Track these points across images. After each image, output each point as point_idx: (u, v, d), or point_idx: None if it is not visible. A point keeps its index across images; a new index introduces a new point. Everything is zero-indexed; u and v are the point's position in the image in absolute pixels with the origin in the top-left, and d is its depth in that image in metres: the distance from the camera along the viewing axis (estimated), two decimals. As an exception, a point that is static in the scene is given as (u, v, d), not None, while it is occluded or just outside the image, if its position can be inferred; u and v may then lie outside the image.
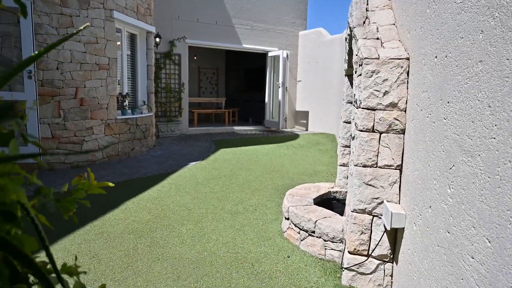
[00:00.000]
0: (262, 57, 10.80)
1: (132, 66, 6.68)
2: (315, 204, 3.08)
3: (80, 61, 5.10)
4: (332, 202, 3.43)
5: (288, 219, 2.93)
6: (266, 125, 10.42)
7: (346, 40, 3.19)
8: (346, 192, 3.46)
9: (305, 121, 10.26)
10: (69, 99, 5.05)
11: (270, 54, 10.03)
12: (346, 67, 3.31)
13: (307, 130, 10.11)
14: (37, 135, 4.66)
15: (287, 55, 9.52)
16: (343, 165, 3.49)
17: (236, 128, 10.13)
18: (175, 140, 8.02)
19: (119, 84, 6.18)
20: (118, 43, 6.06)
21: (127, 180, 4.59)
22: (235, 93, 13.31)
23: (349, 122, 3.42)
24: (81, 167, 5.21)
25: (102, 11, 5.32)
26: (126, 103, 6.31)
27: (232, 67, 13.42)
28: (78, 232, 2.96)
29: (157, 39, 7.89)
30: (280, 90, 9.59)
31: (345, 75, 3.48)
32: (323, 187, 3.53)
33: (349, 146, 3.44)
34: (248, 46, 9.75)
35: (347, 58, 3.22)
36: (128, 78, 6.49)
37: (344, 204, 3.47)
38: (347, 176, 3.49)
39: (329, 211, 2.78)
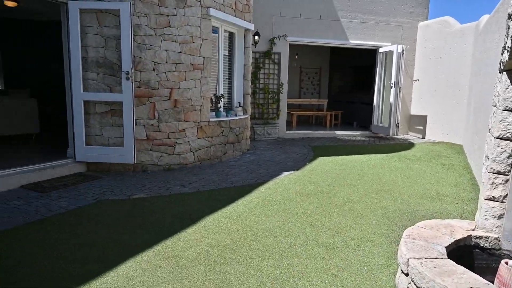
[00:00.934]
0: (370, 53, 9.60)
1: (228, 66, 6.40)
2: (448, 255, 2.12)
3: (175, 61, 4.95)
4: (473, 252, 2.39)
5: (407, 275, 2.06)
6: (373, 130, 9.20)
7: (510, 18, 2.14)
8: (496, 238, 2.38)
9: (421, 127, 8.72)
10: (164, 101, 4.93)
11: (381, 49, 8.80)
12: (507, 58, 2.24)
13: (423, 137, 8.57)
14: (132, 136, 4.63)
15: (403, 50, 8.18)
16: (493, 199, 2.41)
17: (338, 132, 9.19)
18: (271, 144, 7.53)
19: (214, 85, 5.94)
20: (214, 42, 5.81)
21: (213, 189, 4.21)
22: (339, 94, 12.29)
23: (508, 139, 2.33)
24: (173, 170, 5.07)
25: (198, 9, 5.09)
26: (221, 104, 6.03)
27: (336, 66, 12.42)
28: (147, 253, 2.60)
29: (256, 37, 7.51)
30: (392, 90, 8.30)
31: (501, 70, 2.39)
32: (458, 228, 2.50)
33: (504, 173, 2.35)
34: (356, 41, 8.71)
35: (510, 44, 2.16)
36: (223, 78, 6.22)
37: (494, 258, 2.39)
38: (499, 216, 2.41)
39: (477, 278, 1.82)
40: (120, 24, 4.49)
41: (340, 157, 6.24)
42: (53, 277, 2.25)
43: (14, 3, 8.09)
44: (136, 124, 4.83)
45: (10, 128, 6.07)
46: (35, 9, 8.70)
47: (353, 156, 6.34)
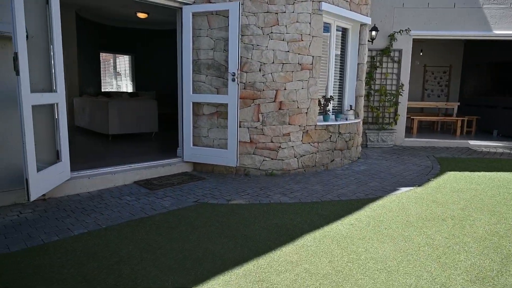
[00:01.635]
0: (522, 46, 7.76)
1: (340, 65, 5.85)
2: None
3: (282, 61, 4.67)
4: None
5: None
6: (521, 141, 7.41)
7: None
8: None
9: None
10: (269, 103, 4.70)
11: (538, 40, 7.00)
12: None
13: None
14: (236, 139, 4.53)
15: None
16: None
17: (472, 142, 7.67)
18: (386, 153, 6.67)
19: (323, 86, 5.48)
20: (325, 39, 5.34)
21: (316, 202, 3.76)
22: (473, 96, 10.37)
23: None
24: (275, 175, 4.80)
25: (309, 4, 4.70)
26: (330, 107, 5.53)
27: (471, 63, 10.52)
28: (237, 271, 2.32)
29: (373, 33, 6.74)
30: (553, 91, 6.50)
31: None
32: None
33: None
34: (503, 32, 7.11)
35: None
36: (334, 79, 5.70)
37: None
38: None
39: None
40: (228, 24, 4.42)
41: (476, 173, 5.08)
42: (137, 285, 2.15)
43: (145, 14, 9.06)
44: (240, 127, 4.71)
45: (135, 126, 6.70)
46: (160, 19, 9.62)
47: (495, 173, 5.09)
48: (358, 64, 5.94)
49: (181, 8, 4.65)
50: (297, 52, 4.72)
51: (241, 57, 4.58)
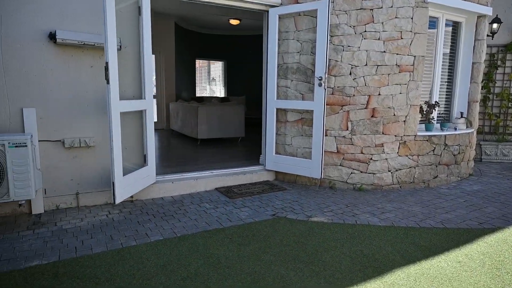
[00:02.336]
0: None
1: (449, 66, 5.01)
2: None
3: (377, 63, 4.15)
4: None
5: None
6: None
7: None
8: None
9: None
10: (359, 109, 4.22)
11: None
12: None
13: None
14: (321, 148, 4.17)
15: None
16: None
17: None
18: (507, 170, 5.52)
19: (426, 90, 4.75)
20: (430, 36, 4.61)
21: (413, 227, 3.18)
22: None
23: None
24: (364, 191, 4.29)
25: (412, -4, 4.09)
26: (434, 115, 4.77)
27: None
28: (309, 308, 2.00)
29: (494, 26, 5.65)
30: None
31: None
32: None
33: None
34: None
35: None
36: (441, 82, 4.90)
37: None
38: None
39: None
40: (316, 25, 4.09)
41: None
42: (203, 310, 1.98)
43: (237, 21, 9.24)
44: (326, 135, 4.34)
45: (222, 131, 6.81)
46: (252, 25, 9.72)
47: None
48: (473, 63, 5.01)
49: (267, 11, 4.49)
50: (395, 52, 4.15)
51: (329, 59, 4.21)
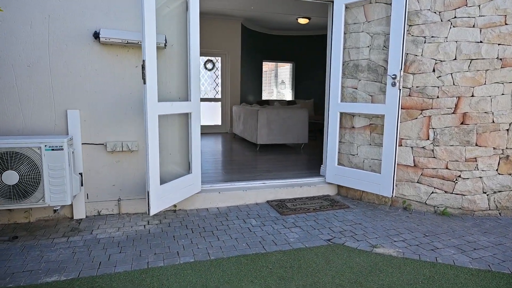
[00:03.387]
0: None
1: None
2: None
3: (470, 56, 3.30)
4: None
5: None
6: None
7: None
8: None
9: None
10: (445, 114, 3.41)
11: None
12: None
13: None
14: (393, 161, 3.45)
15: None
16: None
17: None
18: None
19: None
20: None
21: (500, 272, 2.34)
22: None
23: None
24: (449, 215, 3.45)
25: (522, -32, 3.17)
26: (550, 122, 3.68)
27: None
28: None
29: None
30: None
31: None
32: None
33: None
34: None
35: None
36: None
37: None
38: None
39: None
40: (390, 13, 3.40)
41: None
42: None
43: (306, 19, 8.70)
44: (400, 145, 3.60)
45: (283, 137, 6.34)
46: (321, 24, 9.08)
47: None
48: None
49: (332, 2, 3.91)
50: (496, 42, 3.25)
51: (406, 54, 3.48)
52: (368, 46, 3.72)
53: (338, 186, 4.14)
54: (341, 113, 3.97)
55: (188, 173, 3.50)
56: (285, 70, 10.90)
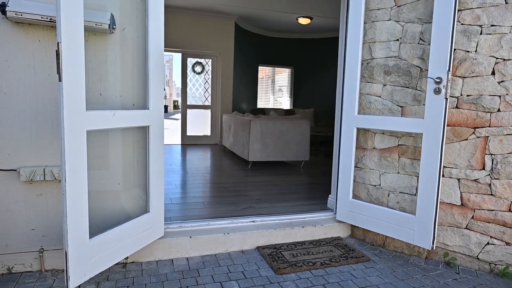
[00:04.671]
0: None
1: None
2: None
3: (547, 53, 2.32)
4: None
5: None
6: None
7: None
8: None
9: None
10: (509, 135, 2.41)
11: None
12: None
13: None
14: (434, 197, 2.45)
15: None
16: None
17: None
18: None
19: None
20: None
21: None
22: None
23: None
24: (511, 277, 2.44)
25: None
26: None
27: None
28: None
29: None
30: None
31: None
32: None
33: None
34: None
35: None
36: None
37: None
38: None
39: None
40: (434, -9, 2.43)
41: None
42: None
43: (307, 19, 7.75)
44: (442, 175, 2.60)
45: (281, 153, 5.33)
46: (323, 25, 8.14)
47: None
48: None
49: (348, -21, 2.94)
50: None
51: (454, 50, 2.50)
52: (398, 40, 2.74)
53: (352, 225, 3.12)
54: (359, 129, 2.97)
55: (145, 211, 2.47)
56: (283, 76, 9.95)
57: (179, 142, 8.85)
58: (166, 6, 7.30)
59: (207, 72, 8.19)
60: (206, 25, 7.76)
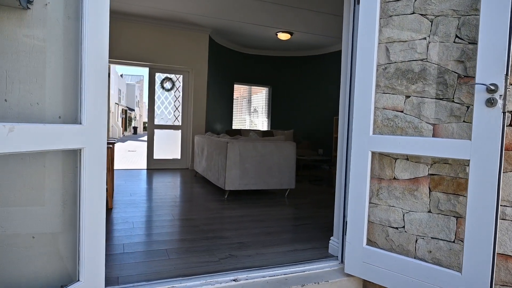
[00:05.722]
0: None
1: None
2: None
3: None
4: None
5: None
6: None
7: None
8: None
9: None
10: None
11: None
12: None
13: None
14: (489, 247, 1.76)
15: None
16: None
17: None
18: None
19: None
20: None
21: None
22: None
23: None
24: None
25: None
26: None
27: None
28: None
29: None
30: None
31: None
32: None
33: None
34: None
35: None
36: None
37: None
38: None
39: None
40: (478, -28, 1.84)
41: None
42: None
43: (287, 35, 7.23)
44: (501, 218, 1.93)
45: (262, 180, 4.57)
46: (303, 43, 7.65)
47: None
48: None
49: (357, -36, 2.33)
50: None
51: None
52: (425, 38, 2.12)
53: (365, 281, 2.38)
54: (374, 153, 2.29)
55: (74, 279, 1.62)
56: (260, 96, 9.34)
57: (145, 166, 7.91)
58: (132, 15, 6.55)
59: (177, 89, 7.42)
60: (177, 37, 7.06)
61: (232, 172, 4.40)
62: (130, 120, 46.39)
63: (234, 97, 8.96)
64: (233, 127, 8.93)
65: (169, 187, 5.23)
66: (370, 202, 2.32)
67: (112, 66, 27.70)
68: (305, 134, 8.83)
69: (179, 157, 7.50)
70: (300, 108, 8.95)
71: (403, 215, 2.20)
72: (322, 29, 6.97)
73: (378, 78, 2.27)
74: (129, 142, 21.64)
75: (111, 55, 6.59)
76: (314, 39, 7.66)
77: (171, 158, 7.48)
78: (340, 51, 7.97)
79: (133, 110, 46.00)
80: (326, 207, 4.26)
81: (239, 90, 9.16)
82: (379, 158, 2.29)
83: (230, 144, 4.40)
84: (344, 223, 2.47)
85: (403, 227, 2.20)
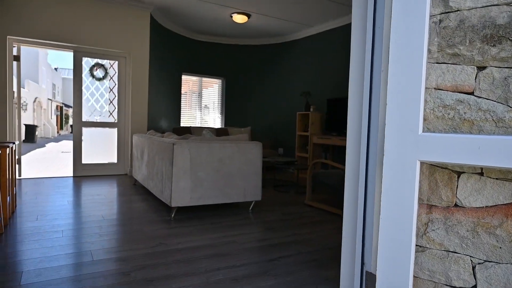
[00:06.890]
0: None
1: None
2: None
3: None
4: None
5: None
6: None
7: None
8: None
9: None
10: None
11: None
12: None
13: None
14: None
15: None
16: None
17: None
18: None
19: None
20: None
21: None
22: None
23: None
24: None
25: None
26: None
27: None
28: None
29: None
30: None
31: None
32: None
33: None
34: None
35: None
36: None
37: None
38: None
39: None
40: None
41: None
42: None
43: (244, 17, 6.24)
44: None
45: (220, 192, 3.54)
46: (262, 29, 6.69)
47: None
48: None
49: None
50: None
51: None
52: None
53: None
54: (425, 164, 1.37)
55: None
56: (212, 91, 8.25)
57: (71, 173, 6.46)
58: (48, -19, 5.12)
59: (111, 78, 6.09)
60: (110, 14, 5.74)
61: (180, 184, 3.31)
62: (67, 118, 42.44)
63: (183, 91, 7.78)
64: (182, 125, 7.75)
65: (98, 203, 3.99)
66: (416, 245, 1.41)
67: (41, 54, 24.59)
68: (264, 132, 7.93)
69: (115, 161, 6.18)
70: (257, 103, 8.02)
71: (473, 268, 1.32)
72: (284, 12, 6.07)
73: (430, 43, 1.36)
74: (63, 142, 19.26)
75: (18, 33, 5.12)
76: (275, 24, 6.76)
77: (105, 162, 6.14)
78: (305, 38, 7.15)
79: (71, 107, 42.17)
80: (302, 225, 3.35)
81: (188, 84, 7.99)
82: (429, 171, 1.38)
83: (177, 146, 3.30)
84: (363, 275, 1.54)
85: (475, 287, 1.31)
